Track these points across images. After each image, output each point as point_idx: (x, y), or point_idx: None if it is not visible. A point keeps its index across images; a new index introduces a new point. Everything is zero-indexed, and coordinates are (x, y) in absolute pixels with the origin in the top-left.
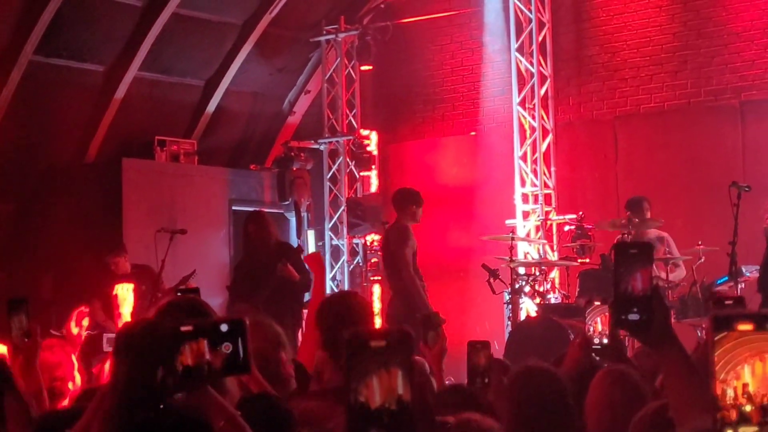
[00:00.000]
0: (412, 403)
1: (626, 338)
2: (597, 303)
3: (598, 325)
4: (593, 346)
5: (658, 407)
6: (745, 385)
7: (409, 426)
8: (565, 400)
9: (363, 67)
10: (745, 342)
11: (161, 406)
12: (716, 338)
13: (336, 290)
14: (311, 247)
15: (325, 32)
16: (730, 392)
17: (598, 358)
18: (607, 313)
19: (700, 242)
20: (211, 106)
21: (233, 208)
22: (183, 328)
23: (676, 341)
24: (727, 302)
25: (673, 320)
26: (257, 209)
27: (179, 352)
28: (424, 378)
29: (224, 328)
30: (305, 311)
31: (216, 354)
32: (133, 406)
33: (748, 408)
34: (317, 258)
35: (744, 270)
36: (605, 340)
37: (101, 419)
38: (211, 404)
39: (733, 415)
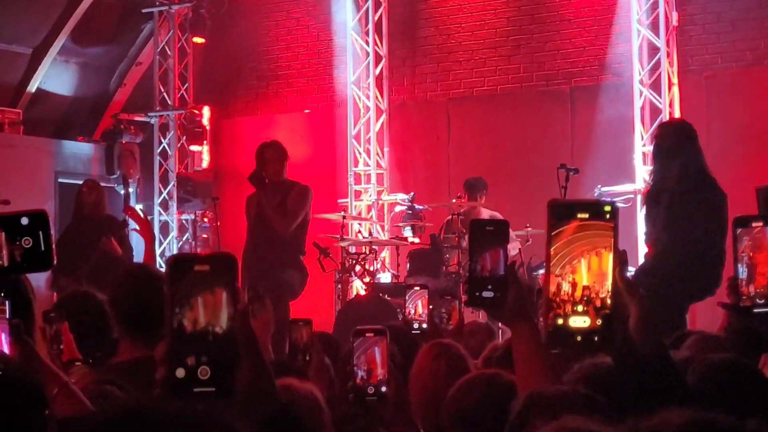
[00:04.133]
0: (234, 327)
1: (443, 321)
2: (416, 288)
3: (418, 308)
4: (413, 330)
5: (476, 375)
6: (579, 279)
7: (232, 348)
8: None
9: (196, 40)
10: (582, 237)
11: None
12: (553, 233)
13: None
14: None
15: (157, 3)
16: (565, 286)
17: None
18: (426, 297)
19: (528, 225)
20: (39, 75)
21: (59, 180)
22: None
23: (530, 319)
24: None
25: None
26: (92, 178)
27: None
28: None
29: (24, 221)
30: None
31: (15, 248)
32: None
33: (580, 304)
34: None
35: None
36: (424, 325)
37: None
38: (43, 372)
39: (568, 308)
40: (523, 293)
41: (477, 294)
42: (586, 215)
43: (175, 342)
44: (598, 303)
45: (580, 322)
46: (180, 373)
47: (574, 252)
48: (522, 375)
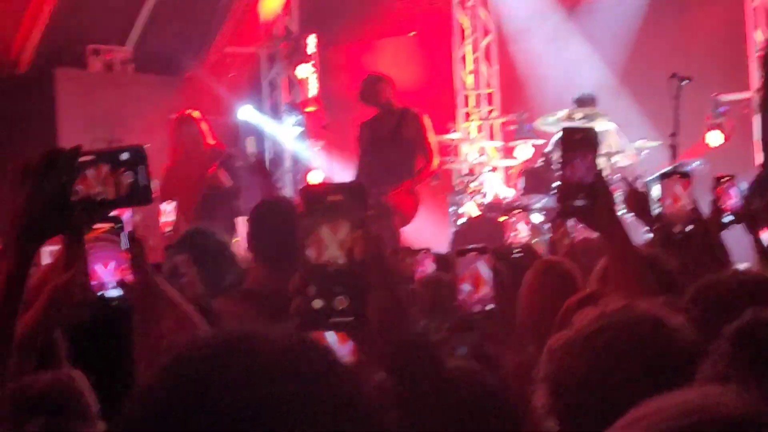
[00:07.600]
0: (366, 256)
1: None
2: (518, 211)
3: (520, 232)
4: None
5: (587, 294)
6: None
7: (358, 278)
8: None
9: None
10: None
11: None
12: None
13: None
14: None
15: None
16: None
17: None
18: (528, 218)
19: (643, 137)
20: (144, 12)
21: (171, 117)
22: (83, 158)
23: (620, 225)
24: None
25: None
26: (188, 111)
27: (80, 177)
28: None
29: (124, 156)
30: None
31: (119, 183)
32: (36, 234)
33: None
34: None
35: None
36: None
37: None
38: (159, 302)
39: None
40: (612, 199)
41: (569, 203)
42: None
43: (310, 273)
44: None
45: None
46: (317, 303)
47: None
48: (617, 278)
